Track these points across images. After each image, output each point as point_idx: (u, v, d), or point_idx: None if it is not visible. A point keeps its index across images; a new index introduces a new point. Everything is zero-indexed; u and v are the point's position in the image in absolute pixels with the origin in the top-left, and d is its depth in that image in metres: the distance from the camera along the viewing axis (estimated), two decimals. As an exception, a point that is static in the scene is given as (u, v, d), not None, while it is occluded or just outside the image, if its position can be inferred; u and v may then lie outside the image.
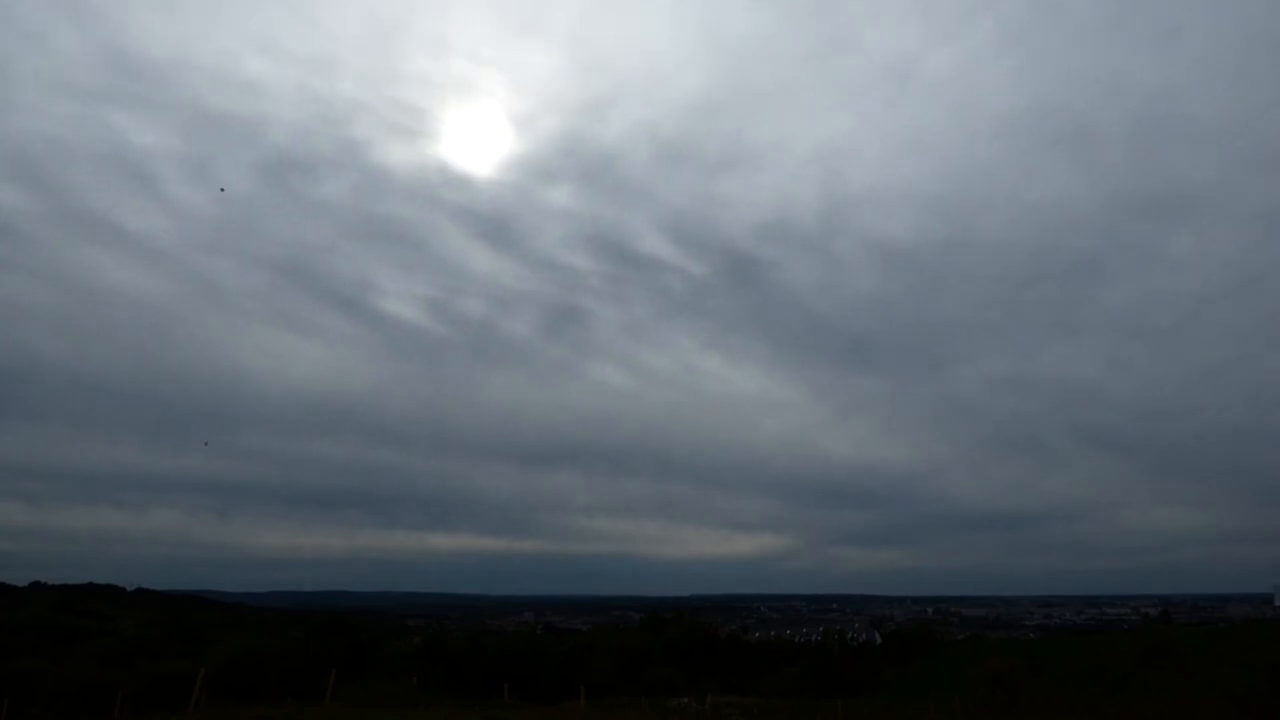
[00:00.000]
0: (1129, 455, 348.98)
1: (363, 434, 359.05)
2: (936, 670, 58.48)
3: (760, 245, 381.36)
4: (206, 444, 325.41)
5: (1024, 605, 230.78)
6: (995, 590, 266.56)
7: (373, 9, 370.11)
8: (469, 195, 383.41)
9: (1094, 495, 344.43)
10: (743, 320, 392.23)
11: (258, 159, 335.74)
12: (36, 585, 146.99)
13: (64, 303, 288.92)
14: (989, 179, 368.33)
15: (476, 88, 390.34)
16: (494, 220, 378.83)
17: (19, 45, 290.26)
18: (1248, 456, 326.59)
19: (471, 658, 64.87)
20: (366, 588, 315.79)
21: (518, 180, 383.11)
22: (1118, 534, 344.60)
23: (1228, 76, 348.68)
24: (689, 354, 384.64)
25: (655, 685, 52.06)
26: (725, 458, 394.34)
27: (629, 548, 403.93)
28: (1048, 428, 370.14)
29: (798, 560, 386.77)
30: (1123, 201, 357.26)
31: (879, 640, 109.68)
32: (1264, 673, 24.32)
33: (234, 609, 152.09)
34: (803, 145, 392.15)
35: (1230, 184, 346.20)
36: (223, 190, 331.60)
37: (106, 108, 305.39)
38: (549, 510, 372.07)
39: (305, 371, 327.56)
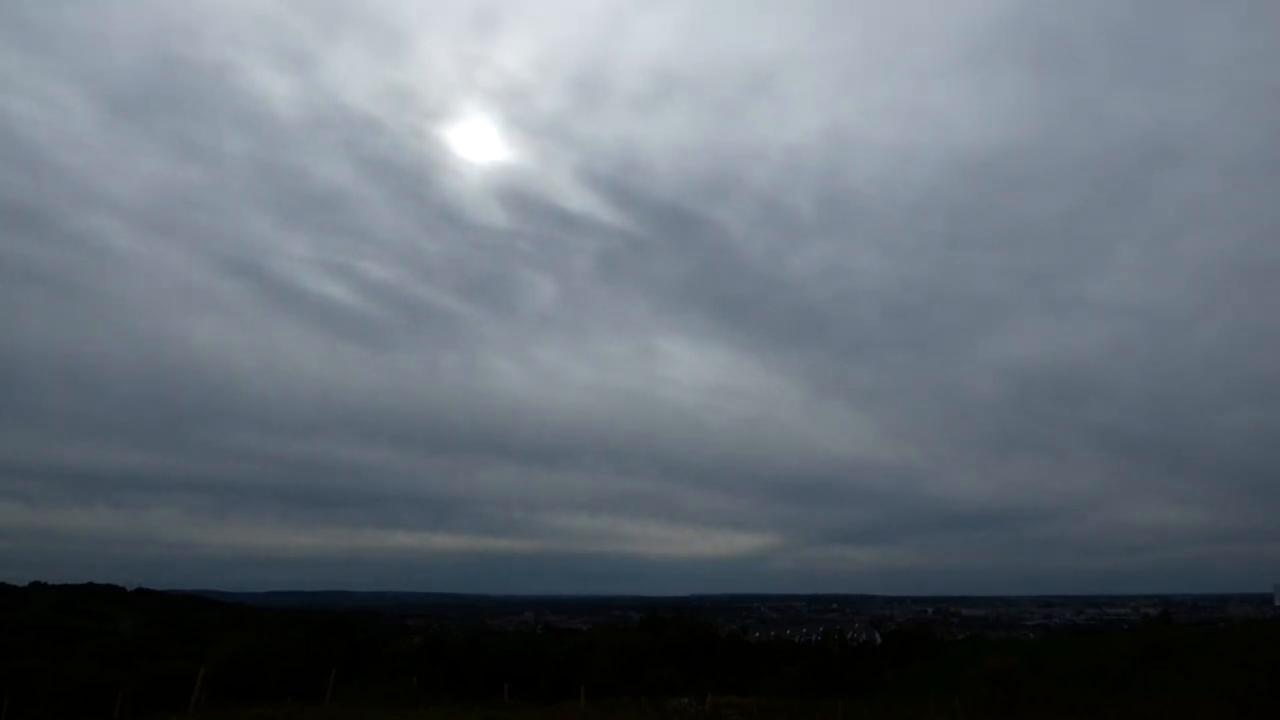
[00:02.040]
0: (1130, 454, 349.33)
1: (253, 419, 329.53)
2: (936, 670, 58.45)
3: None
4: None
5: (1024, 605, 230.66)
6: (995, 590, 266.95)
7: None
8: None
9: (1094, 495, 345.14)
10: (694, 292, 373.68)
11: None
12: (36, 585, 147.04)
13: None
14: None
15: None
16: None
17: None
18: (1248, 455, 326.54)
19: (471, 658, 64.85)
20: (366, 588, 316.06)
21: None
22: (1118, 533, 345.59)
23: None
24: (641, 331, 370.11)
25: (655, 685, 52.03)
26: (701, 455, 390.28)
27: (629, 548, 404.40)
28: (1047, 424, 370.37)
29: (797, 560, 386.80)
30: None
31: (879, 640, 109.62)
32: (1264, 673, 24.33)
33: (234, 609, 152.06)
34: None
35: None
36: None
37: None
38: (485, 505, 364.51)
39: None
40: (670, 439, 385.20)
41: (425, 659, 63.35)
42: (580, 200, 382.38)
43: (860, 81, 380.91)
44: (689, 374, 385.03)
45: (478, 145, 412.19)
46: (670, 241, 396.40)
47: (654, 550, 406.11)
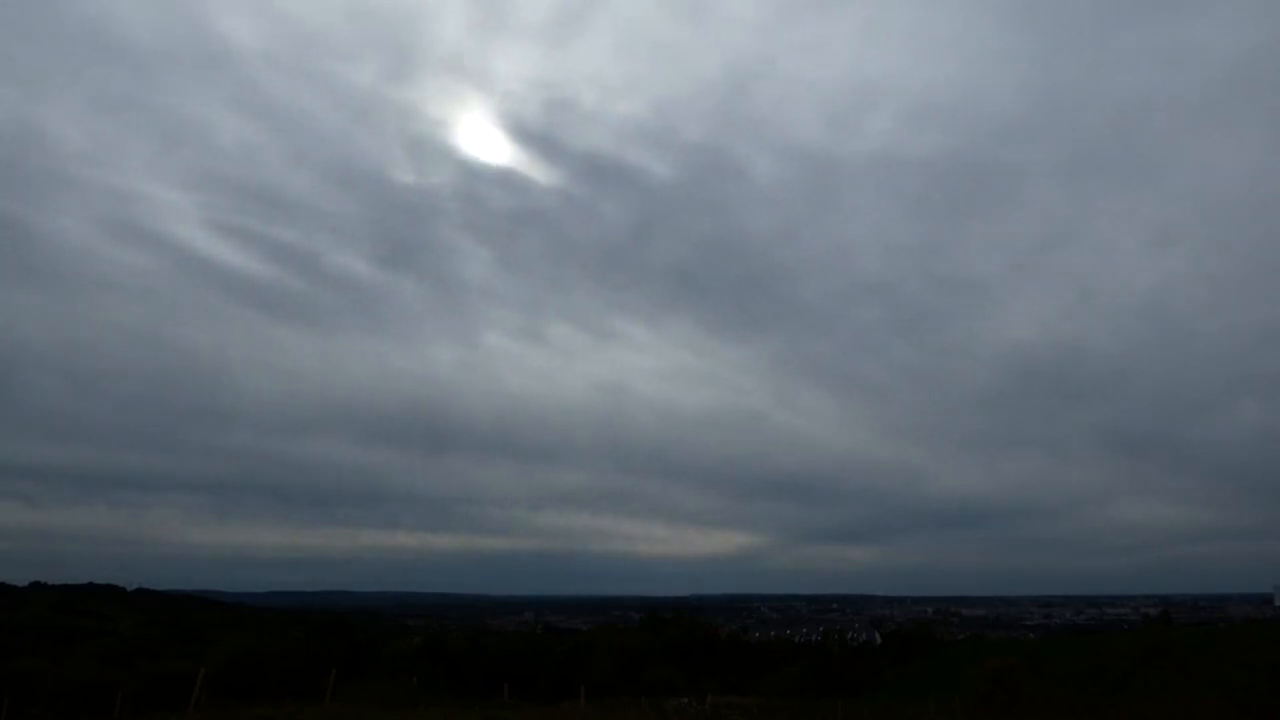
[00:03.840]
0: (1132, 453, 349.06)
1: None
2: (936, 670, 58.45)
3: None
4: None
5: (1024, 605, 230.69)
6: (995, 590, 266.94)
7: None
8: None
9: (1094, 494, 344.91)
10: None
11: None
12: (36, 585, 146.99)
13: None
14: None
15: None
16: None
17: None
18: (1249, 455, 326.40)
19: (471, 658, 64.85)
20: (366, 588, 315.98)
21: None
22: (1118, 533, 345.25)
23: None
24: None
25: (655, 685, 52.03)
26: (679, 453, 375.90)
27: (629, 548, 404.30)
28: (1048, 421, 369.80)
29: (797, 560, 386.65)
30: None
31: (879, 640, 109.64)
32: (1264, 673, 24.35)
33: (234, 609, 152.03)
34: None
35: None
36: None
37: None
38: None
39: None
40: (639, 433, 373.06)
41: (425, 659, 63.35)
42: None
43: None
44: (653, 361, 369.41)
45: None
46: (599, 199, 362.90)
47: (654, 550, 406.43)
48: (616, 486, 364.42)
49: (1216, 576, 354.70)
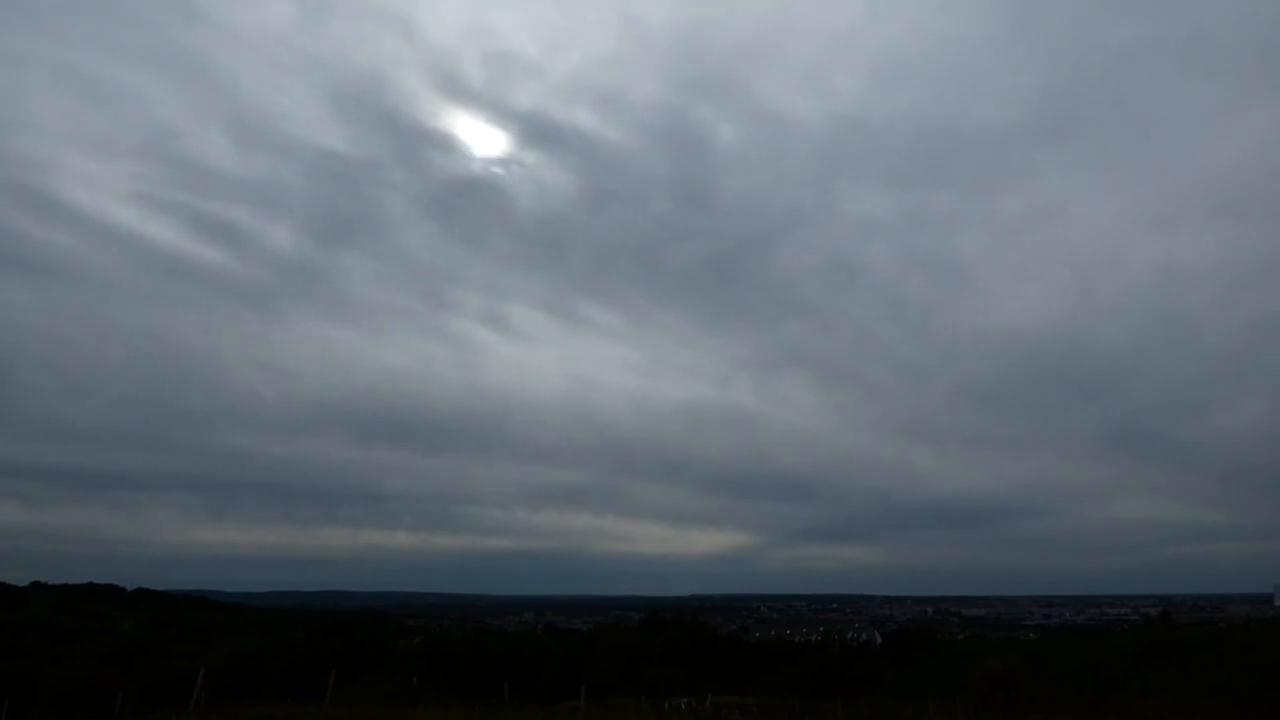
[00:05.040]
0: (1133, 452, 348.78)
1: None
2: (936, 670, 58.42)
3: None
4: None
5: (1024, 605, 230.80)
6: (995, 590, 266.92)
7: None
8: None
9: (1094, 494, 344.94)
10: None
11: None
12: (36, 585, 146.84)
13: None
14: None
15: None
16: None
17: None
18: (1249, 454, 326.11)
19: (471, 658, 64.92)
20: (366, 588, 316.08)
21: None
22: (1119, 533, 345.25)
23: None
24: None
25: (655, 685, 52.09)
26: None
27: (629, 548, 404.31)
28: (1048, 420, 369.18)
29: (796, 560, 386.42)
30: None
31: (879, 640, 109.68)
32: (1264, 673, 24.36)
33: (234, 609, 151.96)
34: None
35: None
36: None
37: None
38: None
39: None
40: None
41: (425, 659, 63.41)
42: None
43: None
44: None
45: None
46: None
47: (654, 550, 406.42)
48: (584, 483, 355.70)
49: (1216, 576, 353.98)
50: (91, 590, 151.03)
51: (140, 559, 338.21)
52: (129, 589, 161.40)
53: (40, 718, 33.15)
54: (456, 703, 32.86)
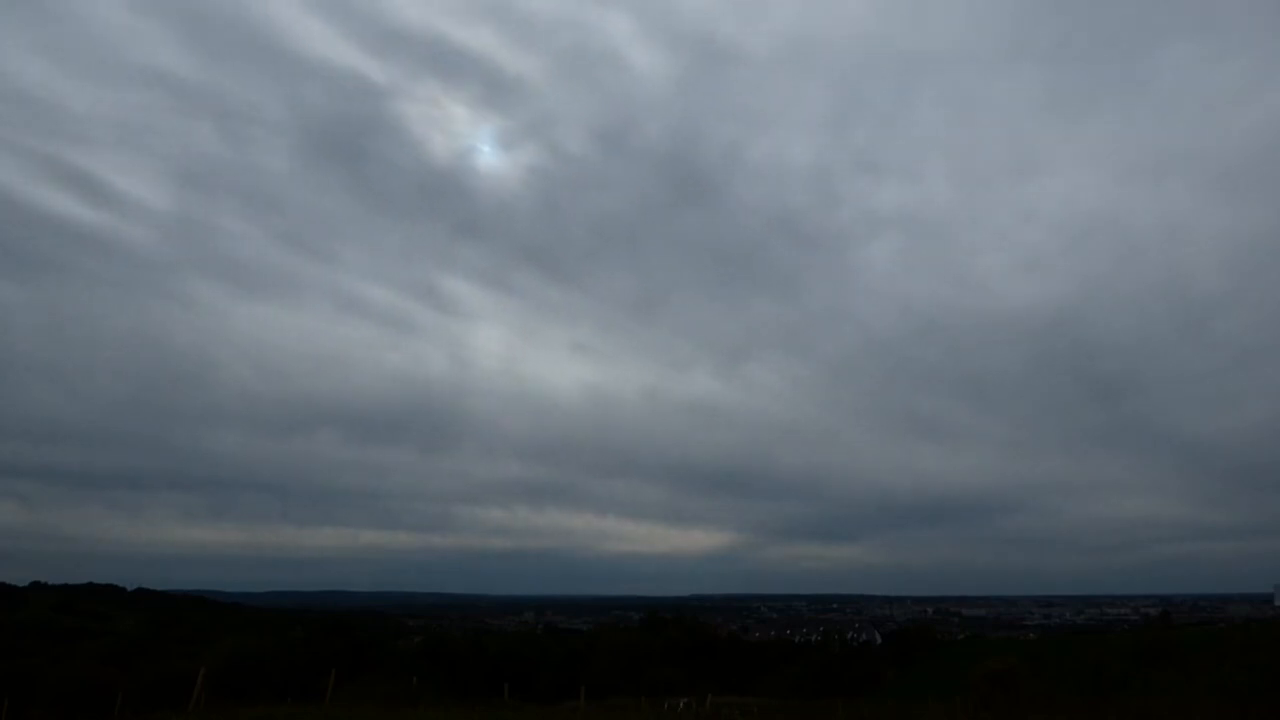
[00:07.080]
0: (1134, 452, 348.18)
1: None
2: (936, 670, 58.43)
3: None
4: None
5: (1024, 605, 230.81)
6: (995, 590, 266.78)
7: None
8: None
9: (1095, 493, 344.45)
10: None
11: None
12: (36, 585, 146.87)
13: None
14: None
15: None
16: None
17: None
18: (1250, 454, 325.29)
19: (471, 658, 64.90)
20: (366, 588, 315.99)
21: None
22: (1119, 532, 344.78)
23: None
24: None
25: (655, 685, 52.10)
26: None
27: (629, 548, 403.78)
28: (1047, 418, 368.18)
29: (796, 559, 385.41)
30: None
31: (879, 640, 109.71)
32: (1264, 673, 24.35)
33: (234, 609, 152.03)
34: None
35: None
36: None
37: None
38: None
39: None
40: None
41: (425, 659, 63.41)
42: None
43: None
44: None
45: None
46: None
47: (654, 550, 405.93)
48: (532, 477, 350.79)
49: (1216, 576, 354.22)
50: (91, 590, 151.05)
51: (140, 559, 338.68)
52: (129, 589, 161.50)
53: (40, 718, 33.13)
54: (456, 703, 32.87)
